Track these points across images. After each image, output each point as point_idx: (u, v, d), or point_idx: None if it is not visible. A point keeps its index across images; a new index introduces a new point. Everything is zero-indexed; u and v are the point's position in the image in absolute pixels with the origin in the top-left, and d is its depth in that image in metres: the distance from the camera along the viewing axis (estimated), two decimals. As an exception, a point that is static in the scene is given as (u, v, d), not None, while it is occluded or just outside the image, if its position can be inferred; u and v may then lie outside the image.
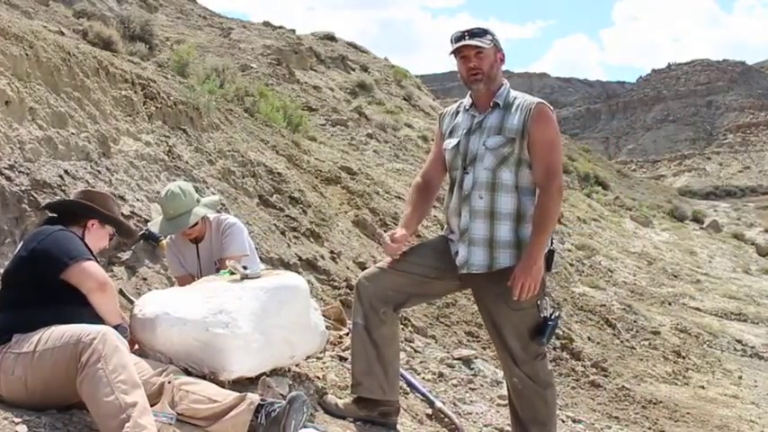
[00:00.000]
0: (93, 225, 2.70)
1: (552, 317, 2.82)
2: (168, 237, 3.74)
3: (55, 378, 2.22)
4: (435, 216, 9.07)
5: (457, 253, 2.88)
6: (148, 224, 3.98)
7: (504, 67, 2.95)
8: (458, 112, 3.00)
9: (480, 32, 2.81)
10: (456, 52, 2.84)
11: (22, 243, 2.55)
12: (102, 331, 2.23)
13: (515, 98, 2.86)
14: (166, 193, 3.44)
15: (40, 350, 2.24)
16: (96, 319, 2.43)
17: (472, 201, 2.83)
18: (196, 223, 3.46)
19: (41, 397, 2.26)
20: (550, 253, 2.87)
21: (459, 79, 2.94)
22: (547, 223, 2.76)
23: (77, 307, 2.41)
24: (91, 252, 2.58)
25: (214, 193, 5.44)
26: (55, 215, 2.72)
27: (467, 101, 2.97)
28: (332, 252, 6.44)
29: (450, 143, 2.94)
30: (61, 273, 2.41)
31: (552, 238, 2.93)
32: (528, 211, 2.81)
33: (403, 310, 3.16)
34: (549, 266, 2.89)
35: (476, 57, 2.81)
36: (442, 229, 3.14)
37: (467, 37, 2.80)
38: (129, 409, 2.08)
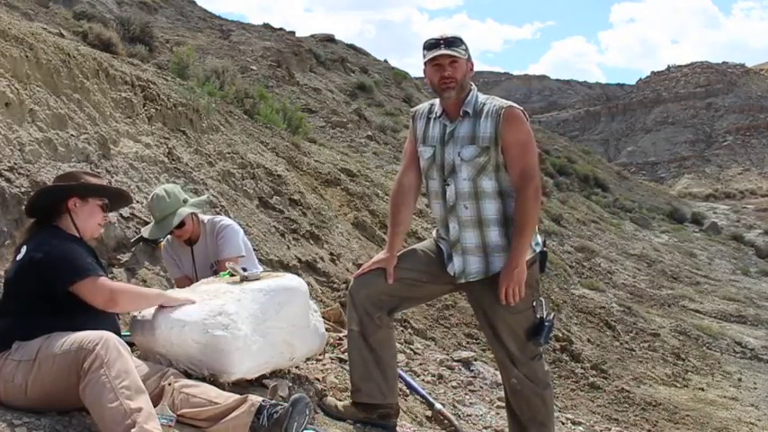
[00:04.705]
0: (75, 204, 2.56)
1: (548, 318, 2.84)
2: (165, 239, 3.74)
3: (55, 386, 2.21)
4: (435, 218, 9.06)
5: (450, 259, 2.88)
6: (142, 229, 3.98)
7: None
8: (429, 118, 2.94)
9: (455, 41, 2.76)
10: (430, 60, 2.78)
11: (24, 249, 2.47)
12: (104, 337, 2.21)
13: (484, 104, 2.81)
14: (152, 197, 3.48)
15: (41, 358, 2.23)
16: (99, 324, 2.41)
17: (458, 211, 2.83)
18: (184, 223, 3.45)
19: (41, 403, 2.25)
20: (543, 254, 2.89)
21: (428, 85, 2.89)
22: (526, 226, 2.74)
23: (80, 313, 2.39)
24: (98, 262, 2.56)
25: (214, 196, 5.45)
26: (39, 216, 2.60)
27: (438, 108, 2.91)
28: (331, 254, 6.44)
29: (425, 152, 2.90)
30: (70, 286, 2.39)
31: (544, 239, 2.95)
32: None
33: (397, 313, 3.16)
34: (542, 268, 2.90)
35: (450, 66, 2.76)
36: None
37: (442, 46, 2.74)
38: (134, 414, 2.06)
